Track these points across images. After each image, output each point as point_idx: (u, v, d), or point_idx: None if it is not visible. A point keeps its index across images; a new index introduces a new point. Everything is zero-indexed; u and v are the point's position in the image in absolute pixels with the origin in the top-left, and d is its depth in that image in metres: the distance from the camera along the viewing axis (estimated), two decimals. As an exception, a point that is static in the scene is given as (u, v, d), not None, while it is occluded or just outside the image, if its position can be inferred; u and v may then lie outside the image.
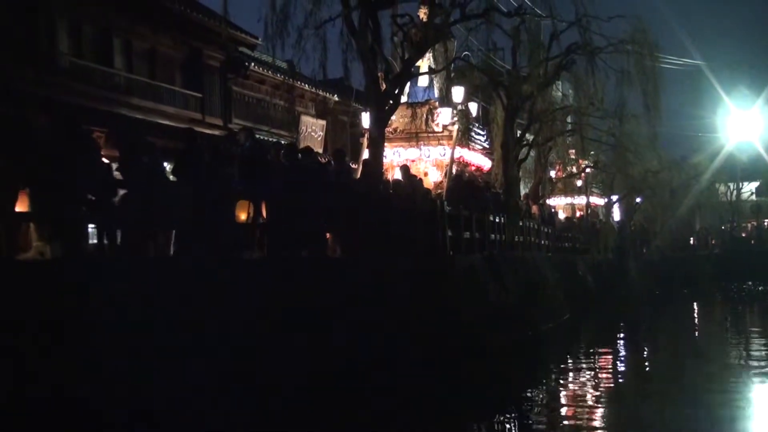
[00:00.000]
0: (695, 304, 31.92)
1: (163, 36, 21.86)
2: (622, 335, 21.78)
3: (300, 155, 13.64)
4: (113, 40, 20.37)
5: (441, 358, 13.26)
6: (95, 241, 9.96)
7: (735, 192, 54.57)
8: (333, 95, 30.26)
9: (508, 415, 11.27)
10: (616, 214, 41.81)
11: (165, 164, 11.33)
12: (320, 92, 29.54)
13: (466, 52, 22.92)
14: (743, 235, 56.45)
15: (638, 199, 40.59)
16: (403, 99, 20.10)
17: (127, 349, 8.13)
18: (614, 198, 39.24)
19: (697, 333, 23.24)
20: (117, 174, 11.02)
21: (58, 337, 7.66)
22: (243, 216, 11.37)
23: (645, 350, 19.33)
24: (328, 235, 13.33)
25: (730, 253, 46.86)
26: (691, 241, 52.63)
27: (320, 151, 25.99)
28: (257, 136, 15.26)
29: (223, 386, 9.11)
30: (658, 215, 39.37)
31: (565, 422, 10.80)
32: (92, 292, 8.18)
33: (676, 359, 17.05)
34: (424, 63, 22.05)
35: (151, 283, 8.86)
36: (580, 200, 38.96)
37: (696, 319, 27.39)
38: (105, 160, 10.96)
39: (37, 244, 8.97)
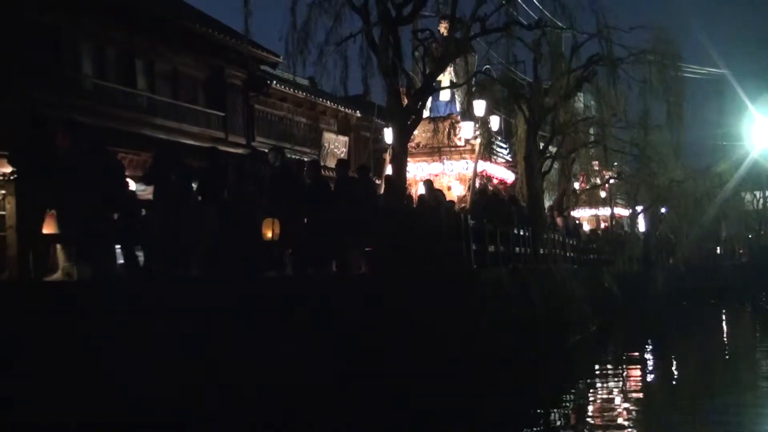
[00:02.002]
0: (724, 314, 31.57)
1: (185, 56, 22.00)
2: (650, 347, 21.57)
3: (337, 167, 13.72)
4: (136, 62, 20.52)
5: (466, 373, 13.17)
6: (122, 261, 10.01)
7: (761, 200, 54.03)
8: (355, 111, 30.32)
9: (536, 430, 11.17)
10: (641, 225, 41.57)
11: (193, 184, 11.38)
12: (342, 109, 29.61)
13: (487, 66, 22.96)
14: (770, 243, 55.83)
15: (663, 210, 40.34)
16: (425, 114, 20.13)
17: (153, 372, 8.13)
18: (639, 209, 39.05)
19: (726, 344, 22.95)
20: (141, 193, 11.14)
21: (86, 359, 7.69)
22: (269, 234, 11.40)
23: (674, 362, 19.12)
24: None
25: (758, 262, 46.30)
26: (718, 251, 52.14)
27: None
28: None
29: (247, 405, 9.10)
30: (684, 225, 39.06)
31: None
32: (120, 312, 8.21)
33: (706, 371, 16.85)
34: (446, 77, 22.11)
35: (177, 302, 8.87)
36: (605, 211, 38.78)
37: (725, 330, 27.07)
38: (130, 181, 11.03)
39: (65, 266, 9.04)
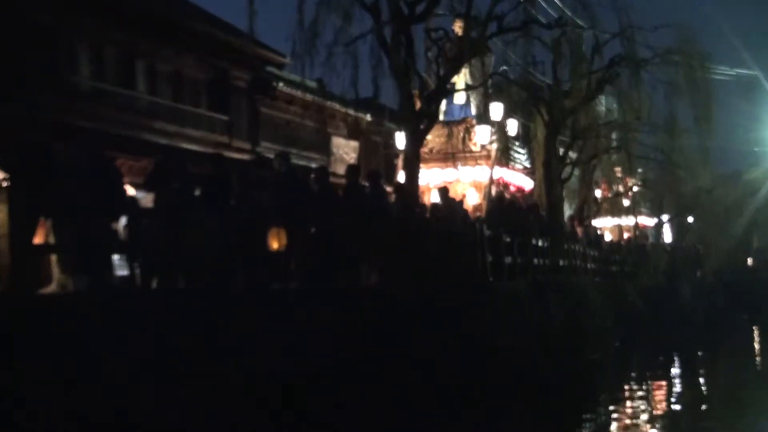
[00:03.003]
0: (756, 330, 31.33)
1: (188, 57, 22.09)
2: (676, 365, 21.43)
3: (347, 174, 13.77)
4: (136, 63, 20.62)
5: (481, 390, 13.12)
6: (121, 272, 10.03)
7: (796, 209, 53.67)
8: (365, 115, 30.33)
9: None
10: (667, 236, 41.37)
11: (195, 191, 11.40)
12: (352, 112, 29.63)
13: (504, 67, 22.94)
14: (806, 254, 55.40)
15: (690, 219, 40.14)
16: (439, 117, 20.11)
17: (154, 388, 8.13)
18: (664, 218, 38.85)
19: (758, 363, 22.77)
20: (142, 200, 11.15)
21: (81, 375, 7.68)
22: (275, 244, 11.39)
23: (702, 382, 18.97)
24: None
25: (793, 275, 45.96)
26: (749, 263, 51.79)
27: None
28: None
29: (254, 421, 9.09)
30: (712, 236, 38.83)
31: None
32: (118, 326, 8.20)
33: (737, 392, 16.70)
34: (460, 79, 22.09)
35: (179, 315, 8.87)
36: (628, 221, 38.61)
37: (757, 348, 26.86)
38: (129, 188, 11.06)
39: (60, 277, 9.04)
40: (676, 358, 22.44)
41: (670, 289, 33.77)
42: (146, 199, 11.35)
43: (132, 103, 20.07)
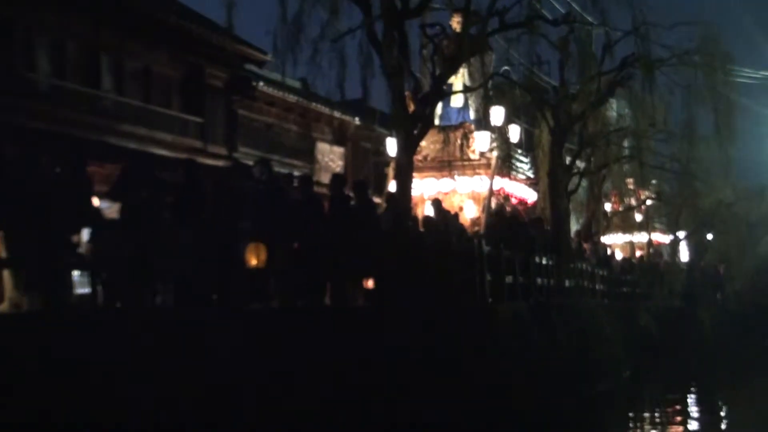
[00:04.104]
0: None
1: (159, 53, 22.08)
2: (694, 401, 21.38)
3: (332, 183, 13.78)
4: (101, 59, 20.58)
5: (478, 426, 13.09)
6: (81, 290, 10.00)
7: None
8: (353, 118, 30.40)
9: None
10: (684, 254, 41.44)
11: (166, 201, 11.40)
12: (338, 115, 29.69)
13: (506, 67, 22.98)
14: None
15: (709, 236, 40.24)
16: (435, 122, 20.12)
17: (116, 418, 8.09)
18: (681, 235, 38.92)
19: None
20: (106, 211, 11.12)
21: (36, 404, 7.64)
22: (254, 261, 11.39)
23: (723, 419, 18.93)
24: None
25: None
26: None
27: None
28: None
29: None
30: (734, 254, 38.90)
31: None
32: (76, 350, 8.16)
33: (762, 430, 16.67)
34: (458, 80, 22.13)
35: (147, 339, 8.84)
36: (641, 238, 38.69)
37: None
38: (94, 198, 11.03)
39: (12, 295, 9.00)
40: (693, 393, 22.40)
41: (688, 314, 33.82)
42: (111, 210, 11.33)
43: (96, 103, 20.02)
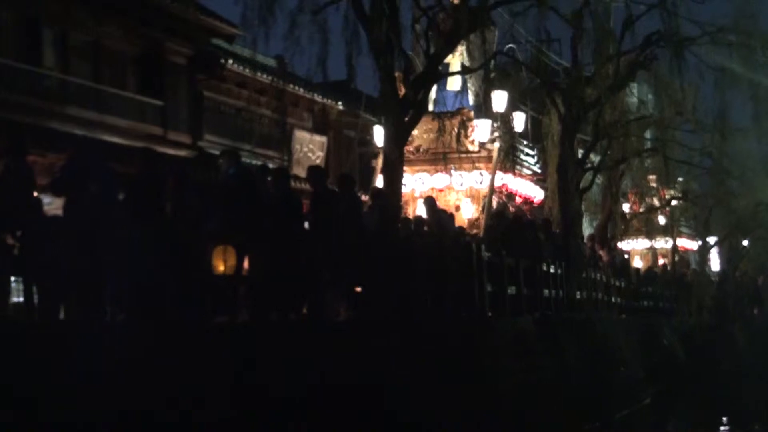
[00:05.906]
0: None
1: (110, 24, 22.06)
2: (726, 429, 21.46)
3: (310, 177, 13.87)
4: (42, 32, 20.55)
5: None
6: (19, 299, 10.04)
7: None
8: (336, 103, 30.49)
9: None
10: (715, 263, 41.58)
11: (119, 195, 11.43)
12: (319, 98, 29.75)
13: (511, 45, 23.09)
14: None
15: (745, 242, 40.39)
16: (428, 108, 20.24)
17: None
18: (711, 240, 39.06)
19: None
20: (47, 206, 11.15)
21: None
22: (221, 266, 11.43)
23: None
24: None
25: None
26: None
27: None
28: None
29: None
30: (774, 263, 39.08)
31: None
32: (11, 367, 8.20)
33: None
34: (456, 60, 22.29)
35: (95, 355, 8.88)
36: (664, 243, 38.83)
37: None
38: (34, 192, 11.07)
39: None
40: (725, 421, 22.42)
41: (719, 332, 33.90)
42: (53, 205, 11.36)
43: (36, 82, 20.01)
